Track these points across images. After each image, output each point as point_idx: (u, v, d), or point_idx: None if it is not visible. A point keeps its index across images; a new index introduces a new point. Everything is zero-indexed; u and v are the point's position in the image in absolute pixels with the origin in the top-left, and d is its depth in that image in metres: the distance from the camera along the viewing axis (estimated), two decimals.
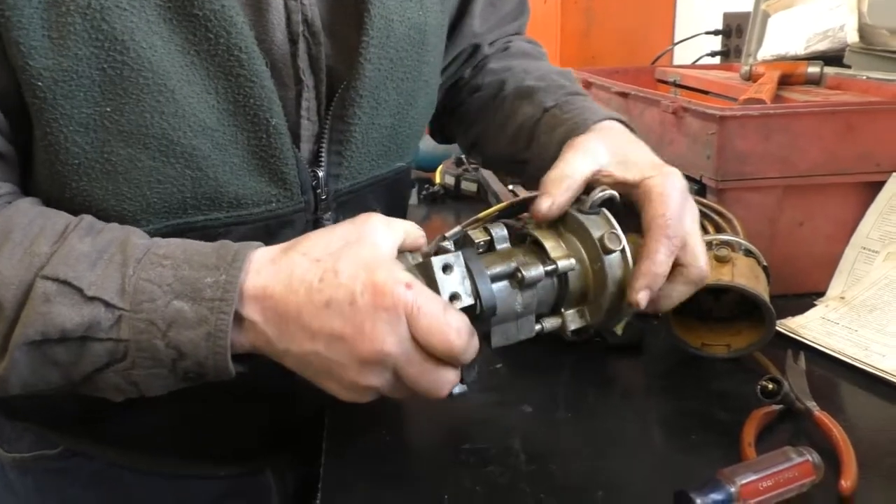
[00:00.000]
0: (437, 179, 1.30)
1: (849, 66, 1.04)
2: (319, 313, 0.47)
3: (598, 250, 0.54)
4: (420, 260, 0.52)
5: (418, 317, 0.47)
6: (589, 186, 0.59)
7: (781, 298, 0.75)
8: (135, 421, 0.66)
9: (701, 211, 0.76)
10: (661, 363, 0.71)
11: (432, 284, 0.50)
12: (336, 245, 0.49)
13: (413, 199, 1.27)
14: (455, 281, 0.50)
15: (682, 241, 0.56)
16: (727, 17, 1.72)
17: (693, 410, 0.61)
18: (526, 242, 0.57)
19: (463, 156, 1.28)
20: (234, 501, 0.76)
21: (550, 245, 0.55)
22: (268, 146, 0.57)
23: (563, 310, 0.57)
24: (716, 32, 1.73)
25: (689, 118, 0.83)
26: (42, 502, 0.73)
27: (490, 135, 0.78)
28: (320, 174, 0.63)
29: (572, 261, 0.55)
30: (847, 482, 0.50)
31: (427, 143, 0.98)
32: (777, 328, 0.69)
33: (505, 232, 0.55)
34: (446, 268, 0.50)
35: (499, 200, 1.13)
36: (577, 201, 0.58)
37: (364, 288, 0.47)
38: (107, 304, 0.47)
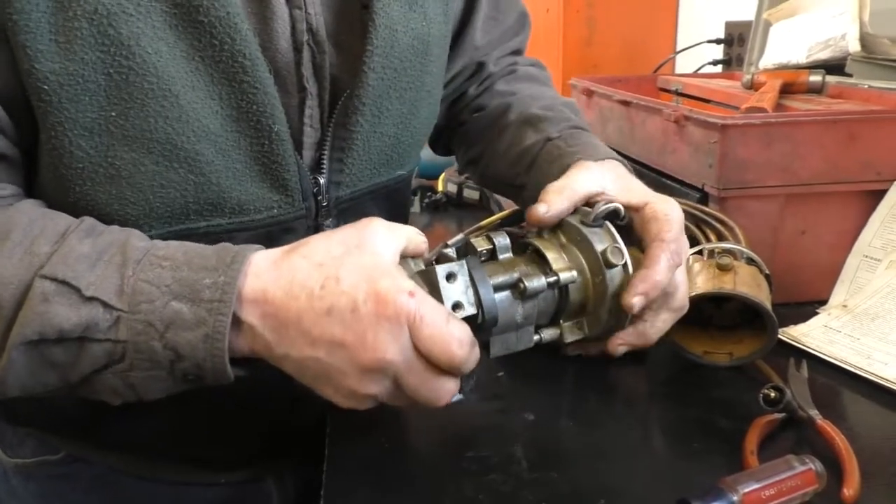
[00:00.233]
0: (440, 187, 1.30)
1: (850, 75, 1.05)
2: (320, 320, 0.47)
3: (599, 263, 0.55)
4: (422, 267, 0.52)
5: (421, 326, 0.47)
6: (590, 203, 0.59)
7: (783, 307, 0.75)
8: (136, 427, 0.66)
9: (703, 219, 0.77)
10: (663, 371, 0.70)
11: (435, 293, 0.50)
12: (338, 250, 0.49)
13: (415, 207, 1.27)
14: (458, 290, 0.50)
15: (679, 263, 0.57)
16: (729, 25, 1.72)
17: (695, 418, 0.61)
18: (527, 251, 0.57)
19: None
20: None
21: (552, 256, 0.55)
22: (270, 152, 0.57)
23: (561, 321, 0.57)
24: (718, 41, 1.74)
25: (691, 127, 0.83)
26: None
27: (490, 156, 0.78)
28: (322, 181, 0.63)
29: (574, 273, 0.55)
30: (850, 491, 0.50)
31: (429, 151, 0.98)
32: (779, 336, 0.69)
33: (507, 241, 0.55)
34: (450, 276, 0.50)
35: (501, 208, 1.14)
36: (581, 213, 0.58)
37: (367, 297, 0.47)
38: (105, 305, 0.47)
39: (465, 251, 0.55)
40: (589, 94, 1.17)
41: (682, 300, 0.60)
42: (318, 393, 0.50)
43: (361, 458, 0.57)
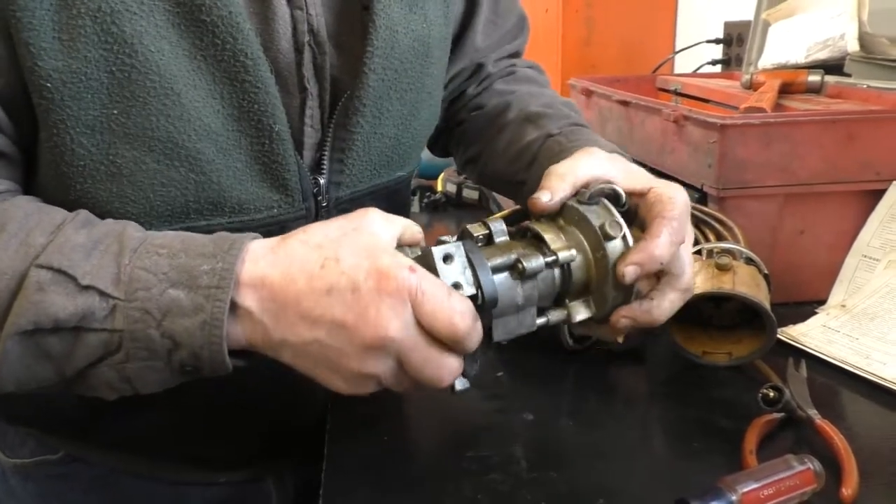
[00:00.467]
0: (439, 187, 1.31)
1: (849, 75, 1.05)
2: (320, 300, 0.46)
3: (599, 238, 0.54)
4: (419, 253, 0.52)
5: (423, 301, 0.46)
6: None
7: (782, 306, 0.75)
8: (135, 425, 0.66)
9: (702, 219, 0.77)
10: (662, 371, 0.71)
11: (433, 275, 0.49)
12: (336, 233, 0.49)
13: (415, 207, 1.27)
14: (456, 270, 0.50)
15: (681, 241, 0.56)
16: (728, 25, 1.72)
17: (694, 418, 0.61)
18: (526, 237, 0.57)
19: None
20: None
21: (550, 237, 0.55)
22: (270, 152, 0.57)
23: (567, 301, 0.56)
24: (717, 41, 1.74)
25: (690, 127, 0.83)
26: None
27: (489, 154, 0.78)
28: (322, 181, 0.63)
29: (573, 251, 0.54)
30: (848, 490, 0.50)
31: (428, 152, 0.99)
32: (778, 336, 0.69)
33: (503, 226, 0.55)
34: (447, 258, 0.50)
35: (500, 208, 1.14)
36: (578, 195, 0.57)
37: (368, 274, 0.46)
38: (101, 293, 0.46)
39: (461, 237, 0.54)
40: (588, 94, 1.17)
41: (688, 282, 0.59)
42: (318, 380, 0.50)
43: (361, 457, 0.57)
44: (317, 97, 0.61)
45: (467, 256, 0.50)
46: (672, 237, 0.55)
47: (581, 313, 0.56)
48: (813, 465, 0.49)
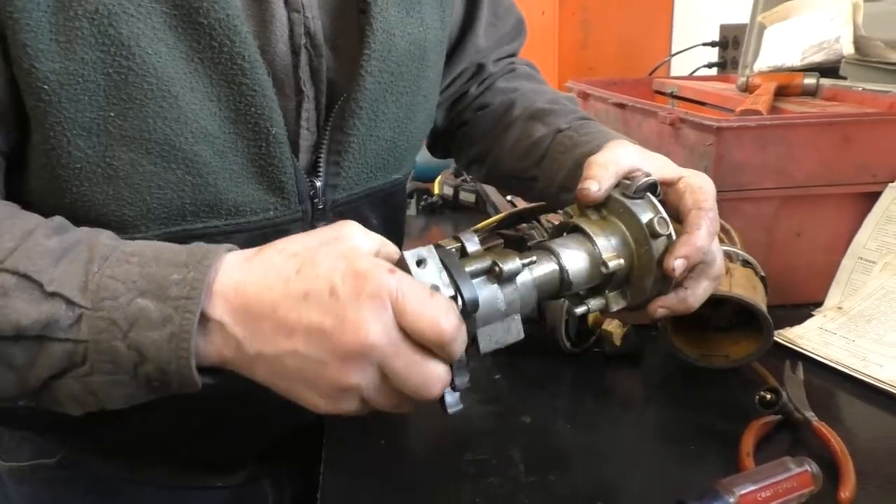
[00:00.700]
0: (436, 190, 1.31)
1: (845, 78, 1.05)
2: (297, 306, 0.44)
3: (645, 234, 0.55)
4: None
5: (404, 302, 0.44)
6: (627, 178, 0.59)
7: (779, 309, 0.75)
8: (133, 430, 0.66)
9: None
10: (659, 373, 0.71)
11: None
12: (313, 242, 0.47)
13: (412, 210, 1.27)
14: (432, 273, 0.48)
15: (717, 230, 0.57)
16: (724, 28, 1.73)
17: (691, 421, 0.61)
18: (567, 230, 0.57)
19: None
20: None
21: (603, 244, 0.55)
22: (267, 154, 0.57)
23: (606, 291, 0.57)
24: (713, 44, 1.74)
25: (686, 129, 0.84)
26: None
27: (497, 152, 0.79)
28: (318, 184, 0.63)
29: (621, 261, 0.55)
30: (845, 492, 0.50)
31: (426, 154, 0.99)
32: (775, 338, 0.69)
33: (476, 238, 0.54)
34: (420, 262, 0.48)
35: (497, 211, 1.14)
36: (622, 186, 0.58)
37: (345, 276, 0.44)
38: (68, 302, 0.43)
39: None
40: (584, 96, 1.18)
41: (719, 269, 0.59)
42: (295, 399, 0.47)
43: (358, 461, 0.57)
44: (313, 100, 0.61)
45: (441, 260, 0.49)
46: (710, 227, 0.56)
47: (618, 304, 0.57)
48: (810, 467, 0.49)
